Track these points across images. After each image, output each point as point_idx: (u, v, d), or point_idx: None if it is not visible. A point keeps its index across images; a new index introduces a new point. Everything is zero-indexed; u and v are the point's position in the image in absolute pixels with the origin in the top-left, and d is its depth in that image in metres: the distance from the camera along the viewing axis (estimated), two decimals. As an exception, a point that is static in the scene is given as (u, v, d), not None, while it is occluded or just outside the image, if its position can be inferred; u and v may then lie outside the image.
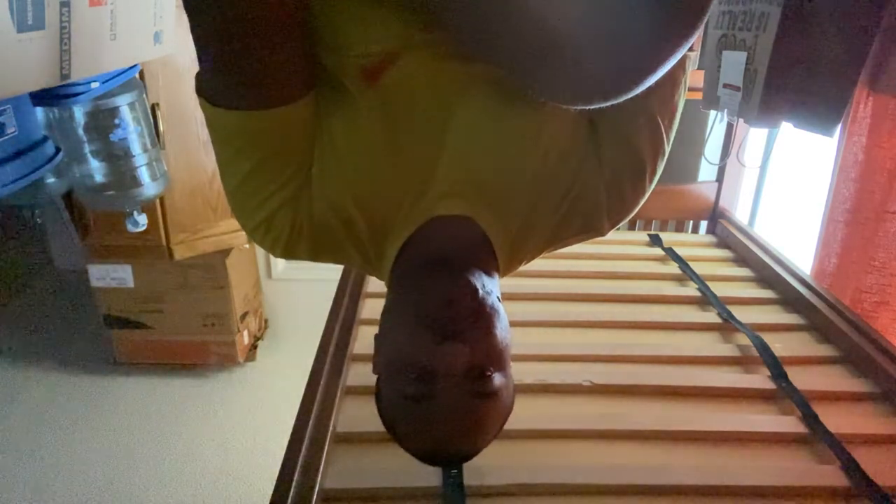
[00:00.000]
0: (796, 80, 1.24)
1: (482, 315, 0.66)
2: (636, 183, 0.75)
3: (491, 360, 0.66)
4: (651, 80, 0.56)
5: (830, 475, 0.95)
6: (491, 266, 0.75)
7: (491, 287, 0.71)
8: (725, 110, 1.47)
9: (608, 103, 0.57)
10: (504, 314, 0.71)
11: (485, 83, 0.67)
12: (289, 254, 0.71)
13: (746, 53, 1.29)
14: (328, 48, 0.65)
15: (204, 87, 0.62)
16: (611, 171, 0.74)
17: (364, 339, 1.26)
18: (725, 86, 1.40)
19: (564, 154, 0.73)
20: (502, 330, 0.69)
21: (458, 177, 0.71)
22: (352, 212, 0.70)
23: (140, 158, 1.66)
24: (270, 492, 0.88)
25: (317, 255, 0.73)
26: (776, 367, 1.20)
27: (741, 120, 1.45)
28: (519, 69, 0.59)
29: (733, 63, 1.33)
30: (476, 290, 0.67)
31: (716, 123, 1.85)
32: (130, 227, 1.79)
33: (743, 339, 1.32)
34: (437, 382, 0.64)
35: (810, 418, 1.06)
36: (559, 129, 0.72)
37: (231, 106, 0.60)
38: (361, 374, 1.15)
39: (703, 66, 1.54)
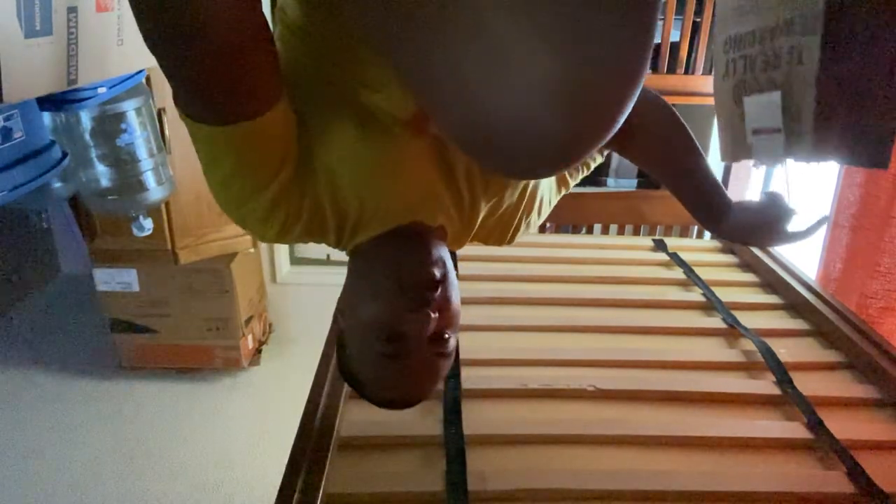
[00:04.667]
0: (845, 108, 1.14)
1: (446, 285, 0.75)
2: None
3: (450, 324, 0.76)
4: (610, 135, 0.54)
5: (836, 481, 0.95)
6: (444, 240, 0.83)
7: (447, 258, 0.79)
8: (762, 156, 1.31)
9: (575, 163, 0.57)
10: (457, 282, 0.81)
11: None
12: (280, 239, 0.76)
13: (781, 92, 1.19)
14: (365, 101, 0.70)
15: (179, 102, 0.64)
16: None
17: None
18: (757, 132, 1.27)
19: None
20: (457, 297, 0.79)
21: (444, 195, 0.79)
22: (343, 207, 0.74)
23: (146, 163, 1.67)
24: (274, 496, 0.88)
25: (302, 239, 0.78)
26: (781, 373, 1.20)
27: (791, 160, 1.29)
28: (474, 153, 0.60)
29: (766, 105, 1.22)
30: (444, 262, 0.76)
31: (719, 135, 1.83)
32: (136, 232, 1.79)
33: (748, 345, 1.32)
34: (408, 344, 0.73)
35: (815, 424, 1.06)
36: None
37: (203, 121, 0.62)
38: (365, 379, 1.15)
39: (718, 119, 1.39)
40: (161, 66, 0.60)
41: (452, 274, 0.78)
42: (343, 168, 0.71)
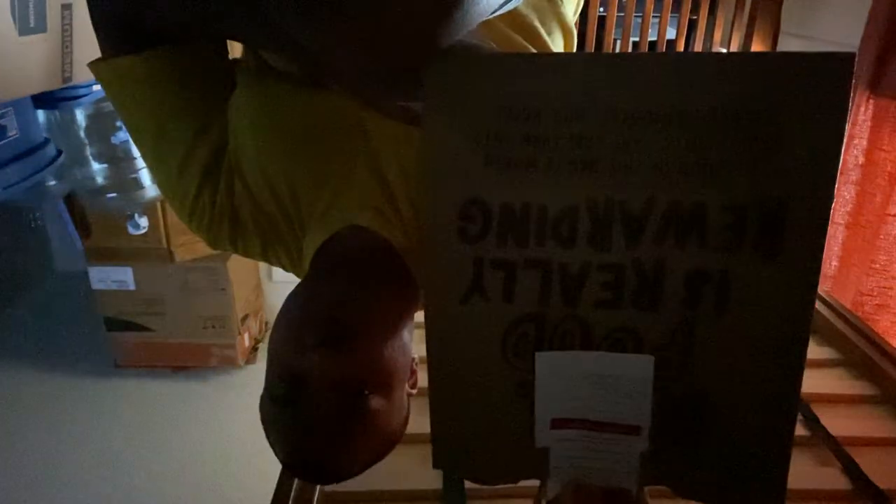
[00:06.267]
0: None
1: (374, 328, 0.60)
2: None
3: (372, 378, 0.60)
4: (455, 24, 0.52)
5: (831, 478, 0.95)
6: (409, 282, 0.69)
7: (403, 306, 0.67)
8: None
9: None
10: (408, 337, 0.66)
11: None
12: (215, 240, 0.72)
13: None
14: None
15: (102, 50, 0.65)
16: None
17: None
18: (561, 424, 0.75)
19: None
20: (397, 350, 0.62)
21: (375, 187, 0.69)
22: (269, 203, 0.71)
23: (141, 161, 1.66)
24: (271, 494, 0.88)
25: (239, 245, 0.73)
26: (777, 370, 1.20)
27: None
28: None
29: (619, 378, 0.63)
30: (374, 302, 0.62)
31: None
32: (131, 230, 1.79)
33: (744, 342, 1.32)
34: (304, 388, 0.58)
35: (811, 421, 1.06)
36: None
37: (118, 52, 0.64)
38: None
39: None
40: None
41: (398, 323, 0.64)
42: (240, 125, 0.68)
